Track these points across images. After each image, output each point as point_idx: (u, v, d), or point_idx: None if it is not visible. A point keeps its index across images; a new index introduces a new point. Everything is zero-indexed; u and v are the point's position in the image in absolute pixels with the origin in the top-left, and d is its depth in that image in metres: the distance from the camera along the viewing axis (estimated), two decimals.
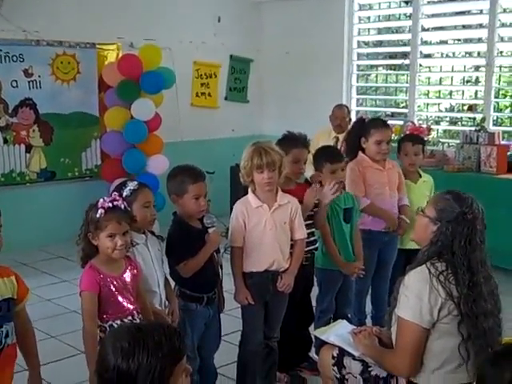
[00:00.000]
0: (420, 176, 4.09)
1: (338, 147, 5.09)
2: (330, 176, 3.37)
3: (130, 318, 2.47)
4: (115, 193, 2.48)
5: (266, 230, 2.96)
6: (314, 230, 3.36)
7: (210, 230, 2.83)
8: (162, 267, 2.76)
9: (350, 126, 4.83)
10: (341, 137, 5.74)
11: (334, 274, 3.51)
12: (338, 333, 2.71)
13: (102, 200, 2.40)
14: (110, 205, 2.38)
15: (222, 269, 2.96)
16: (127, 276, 2.50)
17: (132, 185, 2.65)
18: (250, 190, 2.98)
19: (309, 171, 3.54)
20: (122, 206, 2.40)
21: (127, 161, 6.13)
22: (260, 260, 2.99)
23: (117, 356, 1.49)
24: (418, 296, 2.29)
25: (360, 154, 3.82)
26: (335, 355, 2.63)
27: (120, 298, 2.46)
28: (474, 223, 2.32)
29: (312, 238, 3.35)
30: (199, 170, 2.85)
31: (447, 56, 7.11)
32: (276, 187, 2.97)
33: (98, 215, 2.36)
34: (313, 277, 3.53)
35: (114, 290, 2.45)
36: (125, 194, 2.58)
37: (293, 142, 3.25)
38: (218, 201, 5.64)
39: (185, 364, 1.57)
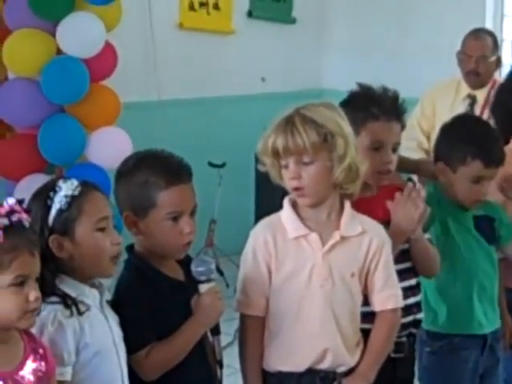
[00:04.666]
0: None
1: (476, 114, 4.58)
2: (467, 184, 3.06)
3: None
4: (11, 200, 2.07)
5: (311, 288, 2.61)
6: (415, 281, 2.96)
7: (203, 288, 2.50)
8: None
9: (501, 78, 4.60)
10: (480, 95, 4.86)
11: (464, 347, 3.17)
12: None
13: None
14: (7, 221, 2.04)
15: (221, 367, 2.60)
16: (28, 372, 2.16)
17: (69, 186, 2.36)
18: (286, 200, 2.65)
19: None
20: (27, 223, 2.09)
21: (48, 139, 5.09)
22: (297, 349, 2.63)
23: None
24: None
25: None
26: None
27: None
28: None
29: (413, 300, 2.91)
30: (178, 162, 2.57)
31: None
32: (340, 198, 2.62)
33: None
34: (412, 375, 3.10)
35: None
36: (58, 206, 2.32)
37: (370, 106, 2.89)
38: (234, 221, 5.65)
39: None
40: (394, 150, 2.89)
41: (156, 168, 2.53)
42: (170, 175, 2.51)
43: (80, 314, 2.27)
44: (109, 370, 2.40)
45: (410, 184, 3.00)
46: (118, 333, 2.46)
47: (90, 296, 2.36)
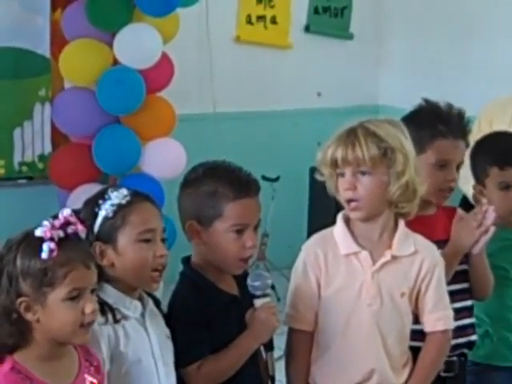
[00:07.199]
0: None
1: None
2: (497, 193, 3.03)
3: None
4: (67, 212, 2.09)
5: (359, 306, 2.61)
6: (471, 302, 2.93)
7: (258, 303, 2.51)
8: (173, 372, 2.44)
9: None
10: None
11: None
12: None
13: (45, 227, 2.05)
14: (62, 233, 2.05)
15: (274, 382, 2.62)
16: None
17: (118, 195, 2.37)
18: (339, 216, 2.64)
19: (469, 184, 3.28)
20: (83, 235, 2.12)
21: (103, 149, 5.06)
22: (344, 367, 2.64)
23: None
24: None
25: None
26: None
27: None
28: None
29: (468, 321, 2.90)
30: (247, 176, 2.60)
31: None
32: (394, 217, 2.60)
33: (43, 258, 2.03)
34: None
35: None
36: (104, 213, 2.35)
37: (438, 123, 2.85)
38: (286, 235, 5.68)
39: None
40: (458, 168, 2.87)
41: (225, 179, 2.53)
42: (239, 188, 2.52)
43: (115, 321, 2.26)
44: (146, 382, 2.38)
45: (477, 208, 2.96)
46: (159, 346, 2.44)
47: (130, 307, 2.35)
